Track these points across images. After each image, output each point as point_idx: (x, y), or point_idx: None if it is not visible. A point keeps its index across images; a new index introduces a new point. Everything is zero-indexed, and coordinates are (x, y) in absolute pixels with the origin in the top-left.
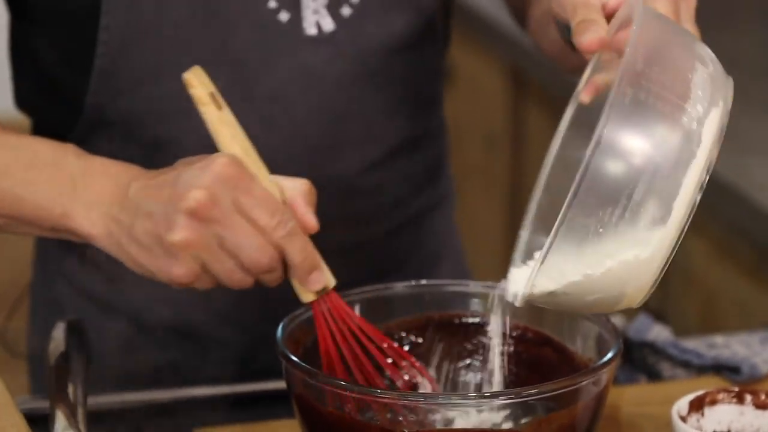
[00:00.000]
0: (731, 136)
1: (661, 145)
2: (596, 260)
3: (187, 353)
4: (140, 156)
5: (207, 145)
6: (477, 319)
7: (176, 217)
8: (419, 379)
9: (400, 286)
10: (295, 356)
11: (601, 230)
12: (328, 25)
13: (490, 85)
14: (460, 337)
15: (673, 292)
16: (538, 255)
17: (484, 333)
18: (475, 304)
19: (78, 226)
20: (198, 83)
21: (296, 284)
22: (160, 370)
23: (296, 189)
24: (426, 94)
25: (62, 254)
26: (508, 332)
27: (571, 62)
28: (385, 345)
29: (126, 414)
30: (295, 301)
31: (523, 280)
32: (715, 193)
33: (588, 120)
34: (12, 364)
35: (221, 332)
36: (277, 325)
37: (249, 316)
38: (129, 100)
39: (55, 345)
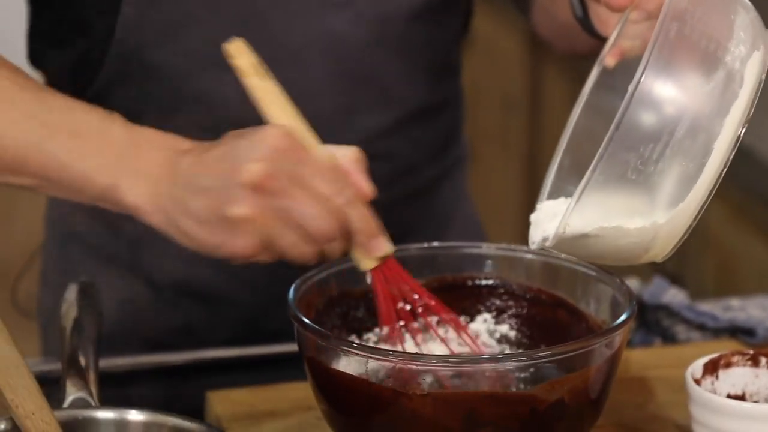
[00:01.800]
0: None
1: (706, 82)
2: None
3: (199, 314)
4: (156, 117)
5: (227, 106)
6: (490, 281)
7: (236, 191)
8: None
9: (413, 248)
10: (307, 319)
11: (641, 166)
12: None
13: (508, 48)
14: (473, 299)
15: (691, 255)
16: (574, 193)
17: (498, 295)
18: (489, 266)
19: (123, 198)
20: (239, 54)
21: (357, 252)
22: (171, 332)
23: (348, 157)
24: (444, 62)
25: (73, 214)
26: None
27: (577, 45)
28: (443, 315)
29: (138, 376)
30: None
31: (551, 222)
32: (733, 155)
33: (612, 84)
34: (23, 324)
35: (232, 293)
36: (288, 286)
37: (260, 277)
38: (152, 52)
39: (67, 307)
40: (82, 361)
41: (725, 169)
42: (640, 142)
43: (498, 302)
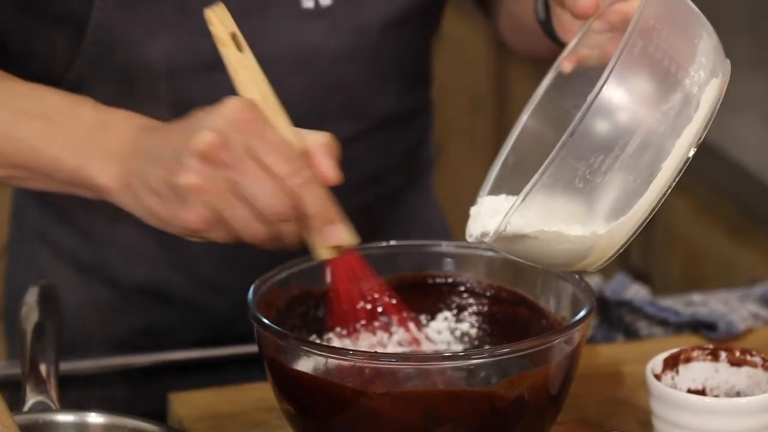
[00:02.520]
0: None
1: (663, 101)
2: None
3: (164, 318)
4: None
5: (203, 105)
6: (450, 279)
7: (185, 160)
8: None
9: (373, 247)
10: (267, 319)
11: (589, 176)
12: None
13: (475, 48)
14: (434, 298)
15: (656, 251)
16: (520, 193)
17: (458, 293)
18: (448, 264)
19: (94, 179)
20: (218, 21)
21: (312, 238)
22: (135, 334)
23: (318, 139)
24: (416, 71)
25: (40, 213)
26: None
27: (537, 48)
28: (404, 314)
29: (101, 379)
30: (270, 264)
31: (492, 218)
32: (698, 151)
33: (565, 90)
34: None
35: (198, 297)
36: None
37: (227, 281)
38: (126, 56)
39: (27, 310)
40: (43, 365)
41: (669, 190)
42: (591, 151)
43: (459, 300)
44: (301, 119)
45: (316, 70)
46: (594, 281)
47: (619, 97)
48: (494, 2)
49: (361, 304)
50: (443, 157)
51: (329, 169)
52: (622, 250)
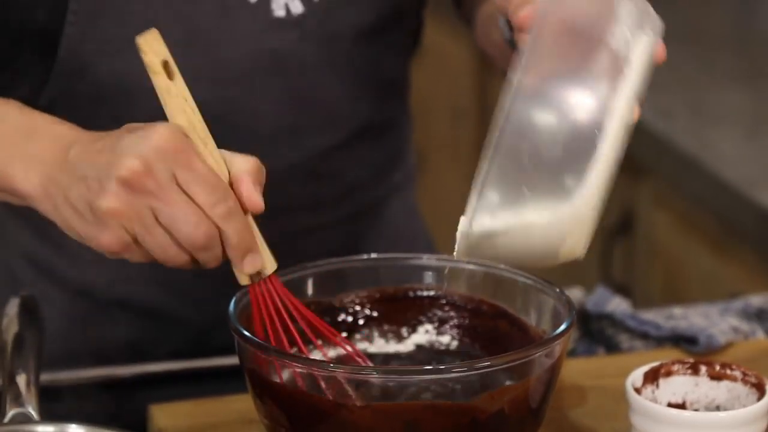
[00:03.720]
0: (694, 108)
1: (589, 63)
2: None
3: (143, 330)
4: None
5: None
6: (432, 292)
7: (108, 184)
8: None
9: (354, 260)
10: (248, 331)
11: (535, 154)
12: (297, 7)
13: (457, 59)
14: (415, 311)
15: (637, 265)
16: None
17: (439, 306)
18: (429, 277)
19: (16, 185)
20: (150, 50)
21: (233, 265)
22: (115, 347)
23: (244, 166)
24: (391, 81)
25: (18, 228)
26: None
27: (512, 63)
28: (328, 336)
29: (82, 390)
30: None
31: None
32: (679, 165)
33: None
34: None
35: (178, 310)
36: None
37: (206, 294)
38: (96, 71)
39: (7, 321)
40: (23, 376)
41: (623, 151)
42: (531, 129)
43: (440, 313)
44: (276, 130)
45: (289, 80)
46: (575, 295)
47: (545, 68)
48: (471, 16)
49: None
50: (425, 169)
51: (254, 198)
52: (594, 226)
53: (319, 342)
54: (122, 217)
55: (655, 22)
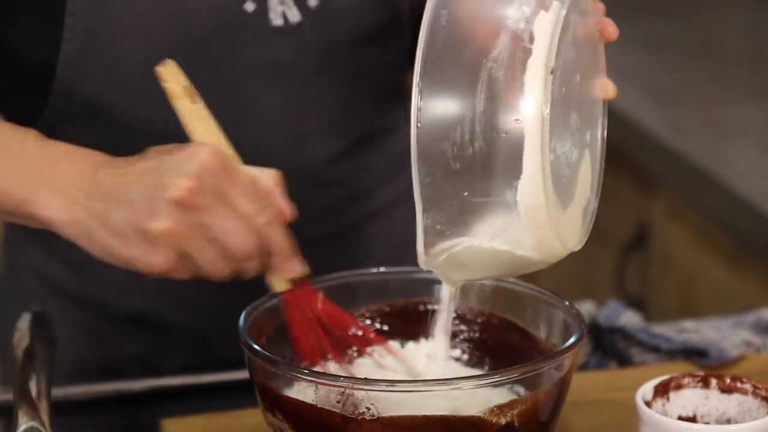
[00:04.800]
0: (708, 123)
1: (490, 48)
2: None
3: (153, 343)
4: (106, 146)
5: (173, 135)
6: None
7: (160, 205)
8: (394, 365)
9: (364, 273)
10: (258, 345)
11: (459, 152)
12: (295, 16)
13: None
14: (425, 324)
15: (652, 279)
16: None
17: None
18: (439, 291)
19: (40, 212)
20: (171, 77)
21: (272, 273)
22: (126, 361)
23: (269, 179)
24: (391, 87)
25: (28, 245)
26: (470, 317)
27: None
28: (360, 332)
29: (93, 405)
30: (259, 291)
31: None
32: (693, 179)
33: None
34: None
35: (185, 321)
36: (241, 314)
37: (213, 306)
38: (97, 87)
39: (19, 336)
40: (34, 391)
41: (548, 127)
42: (446, 128)
43: (450, 326)
44: (279, 139)
45: (289, 88)
46: (587, 308)
47: (448, 61)
48: None
49: (320, 332)
50: None
51: (285, 206)
52: (551, 217)
53: (353, 349)
54: (176, 236)
55: None
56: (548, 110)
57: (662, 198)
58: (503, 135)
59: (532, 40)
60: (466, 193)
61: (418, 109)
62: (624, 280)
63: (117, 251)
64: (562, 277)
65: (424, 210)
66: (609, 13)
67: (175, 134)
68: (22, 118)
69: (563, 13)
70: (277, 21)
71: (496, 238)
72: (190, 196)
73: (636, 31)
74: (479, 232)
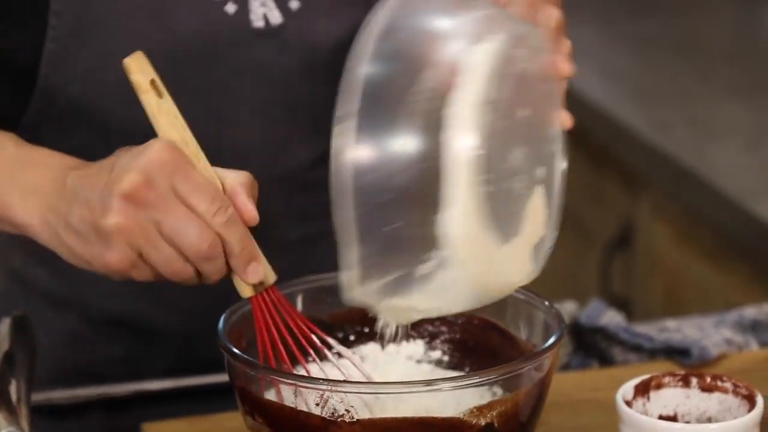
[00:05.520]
0: (692, 121)
1: (416, 79)
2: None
3: (136, 346)
4: (89, 146)
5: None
6: None
7: (111, 201)
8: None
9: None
10: (238, 348)
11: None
12: (276, 18)
13: None
14: (405, 325)
15: (637, 278)
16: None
17: (430, 320)
18: None
19: (14, 215)
20: (138, 69)
21: (235, 277)
22: (109, 364)
23: (237, 179)
24: None
25: (8, 249)
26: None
27: None
28: (327, 342)
29: (75, 409)
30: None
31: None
32: (677, 177)
33: None
34: None
35: (169, 324)
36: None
37: (197, 309)
38: (80, 88)
39: None
40: (14, 396)
41: (473, 160)
42: (375, 161)
43: (430, 328)
44: (262, 142)
45: (271, 90)
46: (569, 308)
47: (376, 94)
48: None
49: (286, 339)
50: None
51: (249, 209)
52: (479, 250)
53: (315, 356)
54: (127, 232)
55: (493, 29)
56: (473, 143)
57: (647, 196)
58: (425, 167)
59: (460, 73)
60: (397, 224)
61: (345, 143)
62: (609, 279)
63: (79, 251)
64: (547, 276)
65: (358, 242)
66: (594, 11)
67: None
68: (4, 119)
69: (497, 47)
70: (258, 23)
71: (433, 272)
72: (138, 190)
73: (621, 29)
74: (414, 266)
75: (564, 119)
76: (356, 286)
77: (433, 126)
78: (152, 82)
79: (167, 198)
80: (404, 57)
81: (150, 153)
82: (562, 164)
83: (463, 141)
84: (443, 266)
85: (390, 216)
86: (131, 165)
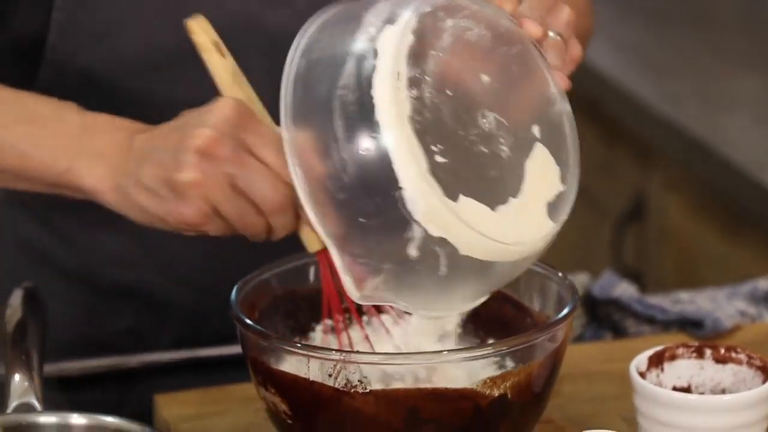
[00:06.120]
0: (704, 93)
1: (337, 79)
2: None
3: (145, 317)
4: None
5: (172, 103)
6: None
7: (184, 157)
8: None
9: None
10: (250, 319)
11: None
12: None
13: None
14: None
15: (649, 250)
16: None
17: None
18: None
19: (82, 181)
20: (200, 30)
21: (305, 230)
22: (119, 335)
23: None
24: None
25: (19, 220)
26: None
27: None
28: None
29: (87, 380)
30: (252, 264)
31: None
32: (689, 150)
33: None
34: None
35: (179, 295)
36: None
37: (207, 278)
38: (88, 56)
39: (11, 312)
40: (26, 366)
41: (409, 131)
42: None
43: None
44: (272, 112)
45: (282, 59)
46: (582, 280)
47: (306, 103)
48: None
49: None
50: None
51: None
52: (455, 215)
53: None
54: (202, 186)
55: (407, 8)
56: (404, 114)
57: (659, 169)
58: (368, 153)
59: (376, 55)
60: (361, 220)
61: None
62: (621, 252)
63: (151, 208)
64: (559, 249)
65: (338, 249)
66: None
67: (172, 107)
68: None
69: (412, 19)
70: None
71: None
72: (212, 145)
73: (633, 2)
74: (401, 250)
75: (558, 79)
76: (356, 291)
77: (356, 115)
78: (215, 42)
79: (239, 151)
80: (326, 58)
81: (218, 110)
82: (568, 118)
83: (391, 117)
84: (437, 244)
85: (349, 213)
86: (202, 121)
